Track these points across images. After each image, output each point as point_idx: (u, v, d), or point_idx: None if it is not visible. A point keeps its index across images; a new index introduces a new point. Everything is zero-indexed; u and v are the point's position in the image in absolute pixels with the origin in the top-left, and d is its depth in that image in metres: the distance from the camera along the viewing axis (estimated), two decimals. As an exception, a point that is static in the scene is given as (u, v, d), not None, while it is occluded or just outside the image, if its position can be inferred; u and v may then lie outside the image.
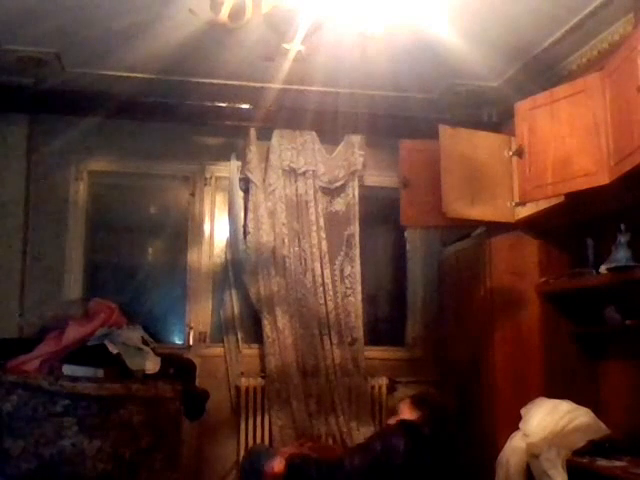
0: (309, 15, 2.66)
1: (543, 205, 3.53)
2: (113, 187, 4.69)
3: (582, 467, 3.20)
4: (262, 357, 4.39)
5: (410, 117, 4.46)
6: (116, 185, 4.69)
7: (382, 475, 3.12)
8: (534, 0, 3.21)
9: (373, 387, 4.46)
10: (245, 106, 4.36)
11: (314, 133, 4.52)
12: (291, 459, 3.23)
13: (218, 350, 4.43)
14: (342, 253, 4.56)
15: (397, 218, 4.12)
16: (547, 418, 3.41)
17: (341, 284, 4.53)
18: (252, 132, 4.45)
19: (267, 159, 4.50)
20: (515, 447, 3.46)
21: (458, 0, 3.17)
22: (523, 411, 3.58)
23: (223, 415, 4.29)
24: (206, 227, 4.58)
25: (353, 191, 4.59)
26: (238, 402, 4.31)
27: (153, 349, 3.47)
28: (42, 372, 3.22)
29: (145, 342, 3.46)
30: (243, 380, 4.34)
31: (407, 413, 3.40)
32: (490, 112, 4.55)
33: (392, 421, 3.48)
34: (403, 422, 3.34)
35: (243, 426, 4.28)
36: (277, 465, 3.20)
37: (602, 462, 3.15)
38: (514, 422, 3.57)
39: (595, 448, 3.29)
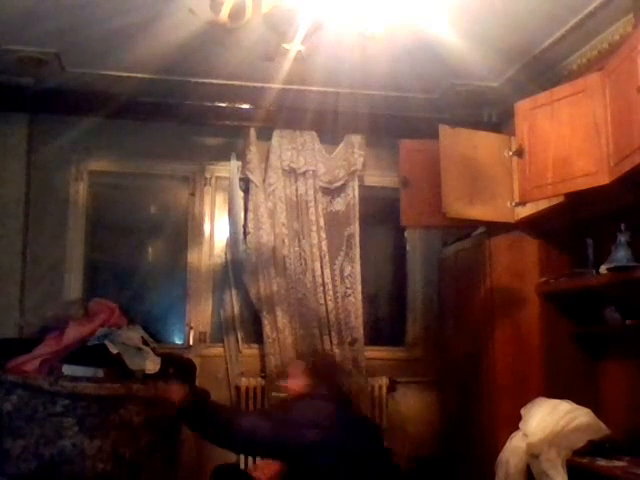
0: (309, 15, 2.66)
1: (543, 205, 3.53)
2: (113, 187, 4.69)
3: (582, 467, 3.19)
4: (262, 357, 4.39)
5: (410, 117, 4.47)
6: (116, 185, 4.69)
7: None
8: (534, 0, 3.21)
9: (373, 387, 4.46)
10: (245, 106, 4.36)
11: (314, 133, 4.53)
12: (190, 396, 2.94)
13: (218, 350, 4.43)
14: (342, 253, 4.56)
15: (397, 218, 4.12)
16: (547, 418, 3.41)
17: (341, 284, 4.53)
18: (252, 132, 4.45)
19: (267, 159, 4.50)
20: (515, 447, 3.46)
21: (458, 0, 3.17)
22: (523, 411, 3.58)
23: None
24: (206, 227, 4.58)
25: (353, 191, 4.59)
26: (238, 402, 4.31)
27: (153, 349, 3.47)
28: (42, 372, 3.22)
29: (145, 342, 3.46)
30: (243, 380, 4.34)
31: (302, 382, 3.10)
32: (490, 112, 4.55)
33: (294, 386, 3.13)
34: (311, 395, 3.04)
35: (243, 426, 4.28)
36: (175, 391, 2.93)
37: (602, 462, 3.15)
38: (514, 422, 3.57)
39: (595, 448, 3.29)
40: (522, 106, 3.42)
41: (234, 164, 4.48)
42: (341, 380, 3.29)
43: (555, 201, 3.41)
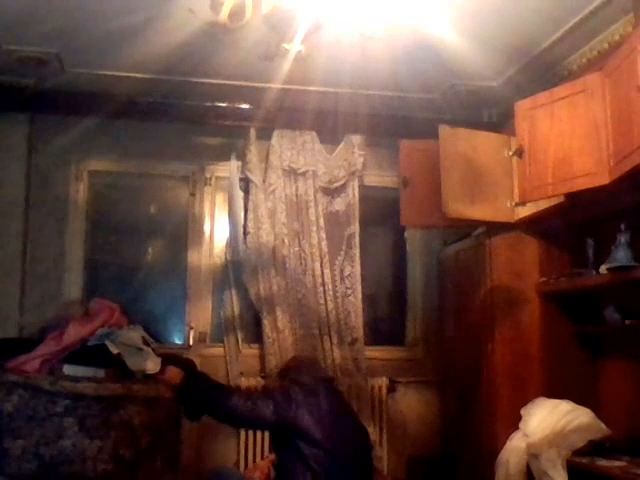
0: (309, 15, 2.66)
1: (543, 205, 3.53)
2: (113, 187, 4.68)
3: (582, 467, 3.20)
4: (262, 357, 4.39)
5: (410, 117, 4.47)
6: (116, 185, 4.69)
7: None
8: (534, 0, 3.21)
9: (373, 387, 4.46)
10: (245, 106, 4.36)
11: (314, 133, 4.53)
12: (186, 377, 3.19)
13: (218, 350, 4.43)
14: (342, 253, 4.56)
15: (397, 218, 4.12)
16: (547, 418, 3.41)
17: (341, 284, 4.53)
18: (252, 132, 4.45)
19: (267, 159, 4.50)
20: (515, 447, 3.46)
21: (458, 0, 3.17)
22: (523, 411, 3.59)
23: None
24: (206, 227, 4.58)
25: (353, 191, 4.59)
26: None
27: (154, 349, 3.47)
28: (42, 372, 3.21)
29: (146, 342, 3.46)
30: (243, 380, 4.34)
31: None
32: (490, 112, 4.55)
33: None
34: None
35: (243, 426, 4.28)
36: (172, 375, 3.17)
37: (602, 462, 3.16)
38: (514, 422, 3.58)
39: (595, 448, 3.29)
40: (522, 106, 3.42)
41: (234, 164, 4.48)
42: (314, 370, 3.40)
43: (555, 201, 3.41)
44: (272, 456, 3.36)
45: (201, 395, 3.15)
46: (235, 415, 3.08)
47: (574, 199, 3.29)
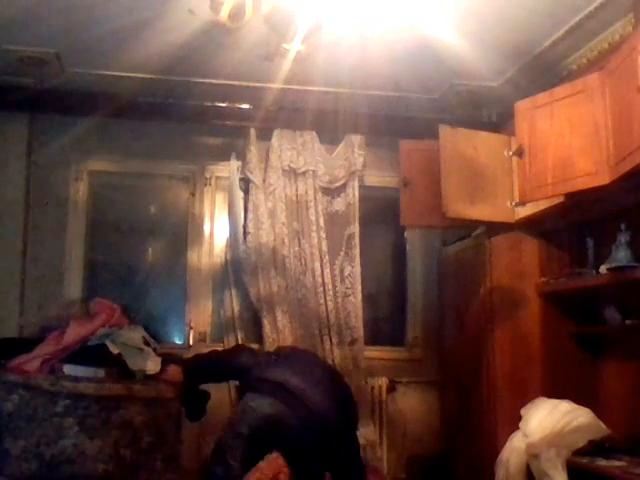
0: (309, 15, 2.66)
1: (543, 205, 3.53)
2: (113, 187, 4.69)
3: (582, 467, 3.20)
4: (262, 357, 4.39)
5: (410, 117, 4.47)
6: (116, 185, 4.69)
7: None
8: (534, 0, 3.21)
9: (373, 387, 4.46)
10: (245, 106, 4.36)
11: (314, 133, 4.52)
12: (185, 365, 3.44)
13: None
14: (342, 253, 4.56)
15: (397, 218, 4.12)
16: (547, 418, 3.41)
17: (341, 284, 4.53)
18: (252, 132, 4.45)
19: (267, 159, 4.50)
20: (515, 447, 3.46)
21: (458, 0, 3.17)
22: (523, 411, 3.58)
23: (223, 415, 4.28)
24: (206, 227, 4.59)
25: (353, 191, 4.59)
26: (238, 402, 4.31)
27: (154, 349, 3.47)
28: (43, 372, 3.21)
29: (146, 342, 3.46)
30: (243, 380, 4.34)
31: None
32: (490, 112, 4.55)
33: None
34: None
35: (243, 426, 4.28)
36: (174, 374, 3.36)
37: (602, 462, 3.16)
38: (514, 422, 3.57)
39: (595, 448, 3.29)
40: (522, 106, 3.42)
41: (234, 164, 4.48)
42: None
43: (555, 201, 3.41)
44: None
45: (211, 371, 3.43)
46: (244, 372, 3.40)
47: (574, 199, 3.29)
